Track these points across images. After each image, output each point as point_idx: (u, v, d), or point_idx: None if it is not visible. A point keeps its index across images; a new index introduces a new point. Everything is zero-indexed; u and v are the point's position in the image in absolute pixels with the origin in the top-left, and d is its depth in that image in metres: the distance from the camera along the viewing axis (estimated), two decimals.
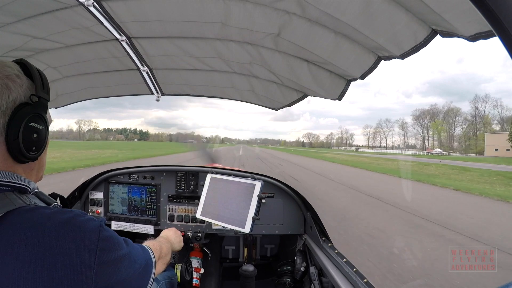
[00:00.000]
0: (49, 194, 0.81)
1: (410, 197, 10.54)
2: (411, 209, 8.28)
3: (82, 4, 1.33)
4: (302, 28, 1.41)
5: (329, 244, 1.69)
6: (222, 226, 1.63)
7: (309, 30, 1.41)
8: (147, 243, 1.07)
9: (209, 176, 1.73)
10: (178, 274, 1.74)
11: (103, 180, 2.16)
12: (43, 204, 0.73)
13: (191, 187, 2.12)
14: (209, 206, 1.66)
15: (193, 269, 1.84)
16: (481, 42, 1.01)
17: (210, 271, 2.18)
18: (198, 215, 1.68)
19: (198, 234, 2.01)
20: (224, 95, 2.50)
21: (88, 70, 2.08)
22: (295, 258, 1.90)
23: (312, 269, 1.74)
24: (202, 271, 2.00)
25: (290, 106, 2.31)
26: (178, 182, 2.13)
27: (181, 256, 2.07)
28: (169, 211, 2.11)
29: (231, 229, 1.55)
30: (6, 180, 0.68)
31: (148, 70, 2.08)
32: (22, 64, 0.75)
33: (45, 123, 0.76)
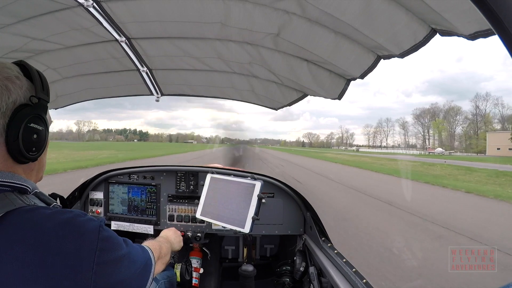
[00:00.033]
0: (49, 194, 0.81)
1: (423, 202, 9.85)
2: (430, 217, 7.44)
3: (81, 5, 1.33)
4: (302, 28, 1.41)
5: (328, 245, 1.69)
6: (222, 226, 1.63)
7: (309, 30, 1.41)
8: (146, 243, 1.07)
9: (209, 176, 1.73)
10: (178, 274, 1.74)
11: (103, 180, 2.16)
12: (43, 205, 0.73)
13: (191, 187, 2.12)
14: (209, 206, 1.66)
15: (192, 269, 1.84)
16: (480, 40, 1.01)
17: (210, 271, 2.18)
18: (198, 215, 1.68)
19: (198, 234, 2.01)
20: (224, 95, 2.50)
21: (87, 71, 2.08)
22: (295, 258, 1.90)
23: (311, 269, 1.74)
24: (201, 271, 2.00)
25: (290, 105, 2.31)
26: (178, 182, 2.13)
27: (181, 256, 2.07)
28: (169, 211, 2.11)
29: (231, 229, 1.55)
30: (6, 180, 0.68)
31: (147, 70, 2.08)
32: (22, 66, 0.75)
33: (45, 124, 0.77)
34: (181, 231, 1.79)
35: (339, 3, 1.20)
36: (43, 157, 0.81)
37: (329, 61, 1.60)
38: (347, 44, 1.43)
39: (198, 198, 1.76)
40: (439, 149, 76.31)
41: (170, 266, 1.76)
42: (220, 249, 2.50)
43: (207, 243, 2.10)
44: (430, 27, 1.14)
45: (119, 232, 0.84)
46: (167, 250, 1.23)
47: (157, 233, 1.64)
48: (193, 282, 1.91)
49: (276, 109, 2.49)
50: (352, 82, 1.72)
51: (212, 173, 1.74)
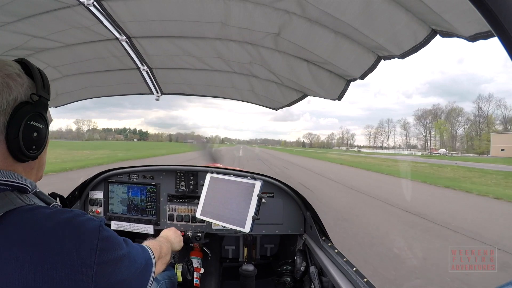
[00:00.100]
0: (49, 194, 0.81)
1: (462, 214, 8.25)
2: (477, 235, 6.09)
3: (82, 3, 1.33)
4: (302, 28, 1.41)
5: (329, 244, 1.69)
6: (222, 226, 1.63)
7: (309, 30, 1.41)
8: (146, 243, 1.07)
9: (209, 176, 1.73)
10: (179, 274, 1.74)
11: (102, 180, 2.16)
12: (42, 204, 0.73)
13: (191, 186, 2.12)
14: (209, 205, 1.66)
15: (193, 269, 1.84)
16: (482, 42, 1.01)
17: (210, 270, 2.19)
18: (198, 215, 1.68)
19: (198, 234, 2.01)
20: (224, 95, 2.50)
21: (88, 69, 2.08)
22: (295, 257, 1.90)
23: (312, 268, 1.74)
24: (202, 271, 2.00)
25: (290, 106, 2.31)
26: (178, 182, 2.13)
27: (181, 256, 2.07)
28: (169, 211, 2.11)
29: (231, 229, 1.55)
30: (6, 179, 0.68)
31: (148, 69, 2.08)
32: (23, 63, 0.75)
33: (46, 122, 0.76)
34: (181, 231, 1.79)
35: (339, 3, 1.20)
36: (43, 156, 0.81)
37: (329, 61, 1.60)
38: (347, 44, 1.43)
39: (198, 197, 1.76)
40: (443, 150, 75.87)
41: (170, 266, 1.76)
42: (221, 249, 2.50)
43: (207, 243, 2.10)
44: (430, 28, 1.15)
45: (119, 232, 0.84)
46: (167, 250, 1.23)
47: (157, 233, 1.64)
48: (194, 282, 1.91)
49: (276, 109, 2.49)
50: (352, 82, 1.72)
51: (212, 172, 1.74)
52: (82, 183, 2.15)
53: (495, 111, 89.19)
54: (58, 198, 0.89)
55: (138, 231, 2.10)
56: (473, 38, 1.02)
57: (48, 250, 0.61)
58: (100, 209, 2.16)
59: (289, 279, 1.89)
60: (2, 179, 0.67)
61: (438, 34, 1.15)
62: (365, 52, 1.43)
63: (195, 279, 1.92)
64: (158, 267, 1.06)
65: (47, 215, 0.65)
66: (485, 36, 0.98)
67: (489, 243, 5.66)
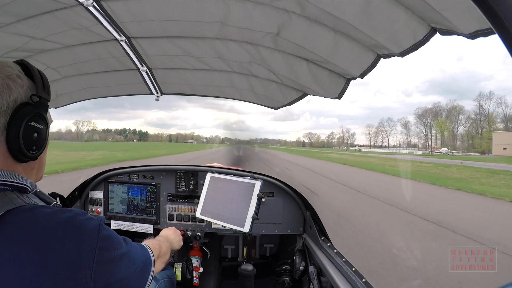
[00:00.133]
0: (49, 194, 0.82)
1: (479, 219, 7.54)
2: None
3: (81, 4, 1.33)
4: (302, 27, 1.41)
5: (328, 244, 1.69)
6: (222, 226, 1.63)
7: (309, 29, 1.41)
8: (146, 242, 1.07)
9: (208, 176, 1.73)
10: (178, 273, 1.74)
11: (102, 180, 2.16)
12: (43, 204, 0.74)
13: (191, 186, 2.12)
14: (209, 205, 1.66)
15: (192, 268, 1.85)
16: (481, 39, 1.01)
17: (210, 270, 2.19)
18: (198, 215, 1.68)
19: (198, 233, 2.01)
20: (223, 95, 2.50)
21: (87, 70, 2.08)
22: (294, 257, 1.90)
23: (311, 268, 1.74)
24: (201, 270, 2.00)
25: (289, 105, 2.31)
26: (178, 182, 2.13)
27: (181, 255, 2.07)
28: (168, 211, 2.11)
29: (231, 229, 1.55)
30: (6, 179, 0.68)
31: (147, 70, 2.08)
32: (23, 65, 0.76)
33: (46, 122, 0.77)
34: (180, 230, 1.79)
35: (338, 2, 1.20)
36: (43, 156, 0.81)
37: (329, 60, 1.60)
38: (346, 43, 1.43)
39: (198, 197, 1.76)
40: (444, 149, 75.07)
41: (169, 265, 1.76)
42: (220, 248, 2.51)
43: (206, 242, 2.10)
44: (430, 26, 1.14)
45: (119, 232, 0.84)
46: (167, 249, 1.24)
47: (157, 232, 1.64)
48: (193, 281, 1.92)
49: (276, 109, 2.49)
50: (352, 81, 1.72)
51: (212, 172, 1.74)
52: (82, 183, 2.16)
53: (496, 109, 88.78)
54: (58, 198, 0.89)
55: (138, 230, 2.10)
56: (473, 36, 1.02)
57: (48, 249, 0.62)
58: (100, 209, 2.16)
59: (288, 278, 1.89)
60: (2, 179, 0.67)
61: (437, 32, 1.15)
62: (364, 50, 1.43)
63: (194, 278, 1.92)
64: (157, 266, 1.06)
65: (47, 215, 0.66)
66: (485, 33, 0.98)
67: None
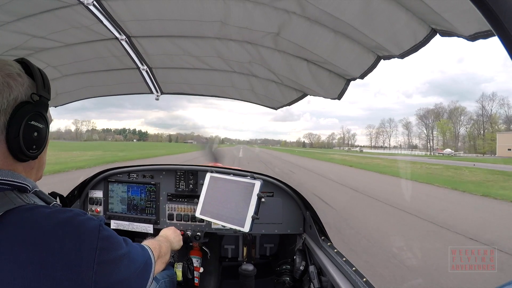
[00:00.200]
0: (49, 193, 0.82)
1: None
2: None
3: (82, 3, 1.33)
4: (302, 28, 1.41)
5: (328, 244, 1.69)
6: (222, 225, 1.63)
7: (309, 30, 1.41)
8: (146, 243, 1.07)
9: (208, 175, 1.73)
10: (179, 273, 1.74)
11: (102, 179, 2.16)
12: (42, 203, 0.73)
13: (191, 186, 2.12)
14: (209, 205, 1.66)
15: (193, 268, 1.85)
16: (481, 41, 1.01)
17: (210, 270, 2.19)
18: (198, 214, 1.68)
19: (198, 233, 2.01)
20: (223, 94, 2.50)
21: (87, 69, 2.08)
22: (295, 257, 1.90)
23: (311, 268, 1.74)
24: (201, 270, 2.00)
25: (289, 105, 2.31)
26: (178, 181, 2.13)
27: (181, 255, 2.07)
28: (168, 210, 2.11)
29: (231, 228, 1.55)
30: (6, 179, 0.68)
31: (147, 69, 2.08)
32: (24, 63, 0.75)
33: (46, 122, 0.77)
34: (180, 230, 1.79)
35: (338, 2, 1.20)
36: (43, 156, 0.81)
37: (329, 60, 1.60)
38: (346, 44, 1.43)
39: (198, 197, 1.76)
40: (448, 150, 74.58)
41: (170, 265, 1.76)
42: (220, 248, 2.51)
43: (206, 242, 2.10)
44: (430, 27, 1.15)
45: (118, 231, 0.85)
46: (167, 249, 1.24)
47: (156, 232, 1.64)
48: (194, 281, 1.92)
49: (276, 109, 2.49)
50: (352, 82, 1.72)
51: (212, 172, 1.74)
52: (82, 182, 2.16)
53: (499, 110, 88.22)
54: (58, 198, 0.89)
55: (137, 230, 2.10)
56: (473, 38, 1.02)
57: (48, 249, 0.62)
58: (100, 208, 2.16)
59: (288, 278, 1.89)
60: (2, 178, 0.67)
61: (438, 34, 1.15)
62: (364, 51, 1.44)
63: (195, 278, 1.92)
64: (158, 267, 1.06)
65: (47, 215, 0.66)
66: (485, 35, 0.98)
67: None
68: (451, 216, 8.01)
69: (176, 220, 2.09)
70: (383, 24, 1.21)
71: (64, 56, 1.85)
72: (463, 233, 6.38)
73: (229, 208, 1.56)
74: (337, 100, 1.88)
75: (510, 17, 0.44)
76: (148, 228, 2.09)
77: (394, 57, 1.36)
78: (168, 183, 2.14)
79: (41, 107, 0.74)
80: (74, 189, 2.13)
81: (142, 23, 1.60)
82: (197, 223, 2.06)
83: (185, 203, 2.11)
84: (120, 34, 1.65)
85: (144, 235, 2.08)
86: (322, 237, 1.77)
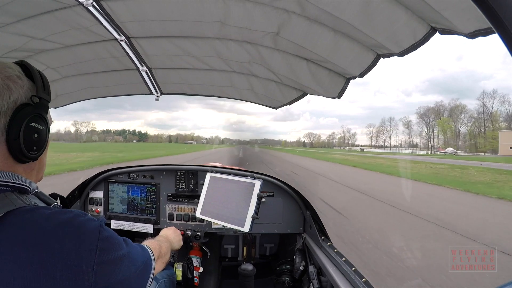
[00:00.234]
0: (49, 194, 0.82)
1: None
2: None
3: (81, 4, 1.32)
4: (301, 27, 1.41)
5: (328, 243, 1.69)
6: (222, 225, 1.63)
7: (308, 29, 1.41)
8: (146, 243, 1.07)
9: (208, 175, 1.73)
10: (179, 273, 1.74)
11: (102, 179, 2.16)
12: (43, 204, 0.74)
13: (191, 186, 2.12)
14: (209, 205, 1.66)
15: (193, 268, 1.85)
16: (481, 39, 1.01)
17: (209, 270, 2.19)
18: (198, 214, 1.68)
19: (198, 233, 2.01)
20: (223, 94, 2.50)
21: (87, 70, 2.08)
22: (294, 257, 1.90)
23: (311, 268, 1.74)
24: (201, 269, 2.00)
25: (289, 104, 2.31)
26: (178, 181, 2.14)
27: (181, 255, 2.07)
28: (168, 210, 2.11)
29: (231, 228, 1.55)
30: (6, 180, 0.68)
31: (147, 69, 2.08)
32: (23, 66, 0.76)
33: (46, 123, 0.77)
34: (180, 230, 1.79)
35: (338, 2, 1.20)
36: (43, 157, 0.81)
37: (329, 59, 1.60)
38: (346, 43, 1.43)
39: (198, 197, 1.76)
40: (450, 149, 73.55)
41: (169, 265, 1.76)
42: (220, 248, 2.51)
43: (206, 242, 2.10)
44: (429, 25, 1.15)
45: (118, 231, 0.85)
46: (167, 249, 1.24)
47: (156, 232, 1.64)
48: (194, 281, 1.92)
49: (276, 108, 2.49)
50: (351, 81, 1.72)
51: (212, 172, 1.74)
52: (82, 183, 2.16)
53: (499, 108, 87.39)
54: (58, 199, 0.89)
55: (137, 230, 2.10)
56: (472, 35, 1.02)
57: (48, 250, 0.62)
58: (100, 209, 2.16)
59: (288, 278, 1.89)
60: (3, 180, 0.67)
61: (437, 32, 1.15)
62: (364, 50, 1.44)
63: (194, 278, 1.92)
64: (158, 267, 1.06)
65: (47, 216, 0.66)
66: (485, 33, 0.98)
67: None
68: (477, 224, 7.17)
69: (176, 220, 2.09)
70: (383, 23, 1.21)
71: (64, 57, 1.85)
72: (505, 249, 5.27)
73: (229, 208, 1.56)
74: (337, 99, 1.87)
75: (509, 14, 0.44)
76: (148, 228, 2.09)
77: (393, 55, 1.36)
78: (168, 183, 2.14)
79: (41, 109, 0.74)
80: (74, 190, 2.13)
81: (141, 24, 1.60)
82: (197, 223, 2.06)
83: (185, 203, 2.11)
84: (119, 35, 1.64)
85: (144, 235, 2.09)
86: (322, 237, 1.77)
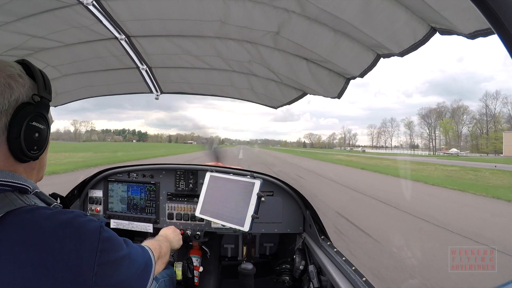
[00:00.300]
0: (49, 194, 0.82)
1: None
2: None
3: (81, 2, 1.32)
4: (301, 26, 1.41)
5: (328, 243, 1.69)
6: (221, 225, 1.63)
7: (308, 28, 1.41)
8: (146, 243, 1.07)
9: (208, 175, 1.73)
10: (178, 272, 1.74)
11: (102, 179, 2.16)
12: (43, 205, 0.73)
13: (190, 185, 2.12)
14: (208, 204, 1.66)
15: (193, 267, 1.85)
16: (481, 40, 1.01)
17: (209, 269, 2.19)
18: (197, 214, 1.68)
19: (197, 233, 2.01)
20: (223, 94, 2.50)
21: (87, 68, 2.08)
22: (294, 256, 1.91)
23: (311, 267, 1.74)
24: (201, 269, 2.00)
25: (289, 104, 2.31)
26: (177, 181, 2.14)
27: (180, 254, 2.08)
28: (168, 210, 2.11)
29: (230, 228, 1.55)
30: (7, 180, 0.68)
31: (147, 68, 2.08)
32: (24, 65, 0.75)
33: (47, 122, 0.77)
34: (180, 230, 1.80)
35: (338, 1, 1.20)
36: (44, 156, 0.81)
37: (329, 59, 1.60)
38: (346, 43, 1.43)
39: (198, 196, 1.76)
40: (454, 150, 73.86)
41: (169, 264, 1.76)
42: (220, 247, 2.51)
43: (206, 242, 2.10)
44: (429, 25, 1.15)
45: (118, 231, 0.85)
46: (167, 249, 1.24)
47: (156, 231, 1.65)
48: (194, 280, 1.92)
49: (276, 108, 2.49)
50: (352, 82, 1.72)
51: (212, 171, 1.74)
52: (82, 182, 2.16)
53: (502, 109, 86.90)
54: (58, 199, 0.89)
55: (137, 229, 2.10)
56: (472, 36, 1.02)
57: (49, 250, 0.62)
58: (100, 208, 2.16)
59: (288, 278, 1.90)
60: (3, 179, 0.67)
61: (437, 32, 1.15)
62: (364, 50, 1.44)
63: (194, 277, 1.92)
64: (158, 267, 1.06)
65: (48, 216, 0.66)
66: (485, 33, 0.98)
67: None
68: None
69: (176, 220, 2.09)
70: (383, 23, 1.21)
71: (64, 56, 1.85)
72: None
73: (229, 207, 1.56)
74: (337, 99, 1.87)
75: (509, 15, 0.44)
76: (148, 227, 2.09)
77: (393, 55, 1.37)
78: (168, 183, 2.14)
79: (42, 108, 0.74)
80: (74, 189, 2.13)
81: (141, 23, 1.59)
82: (197, 222, 2.06)
83: (185, 203, 2.11)
84: (119, 33, 1.64)
85: (144, 234, 2.09)
86: (322, 237, 1.77)
